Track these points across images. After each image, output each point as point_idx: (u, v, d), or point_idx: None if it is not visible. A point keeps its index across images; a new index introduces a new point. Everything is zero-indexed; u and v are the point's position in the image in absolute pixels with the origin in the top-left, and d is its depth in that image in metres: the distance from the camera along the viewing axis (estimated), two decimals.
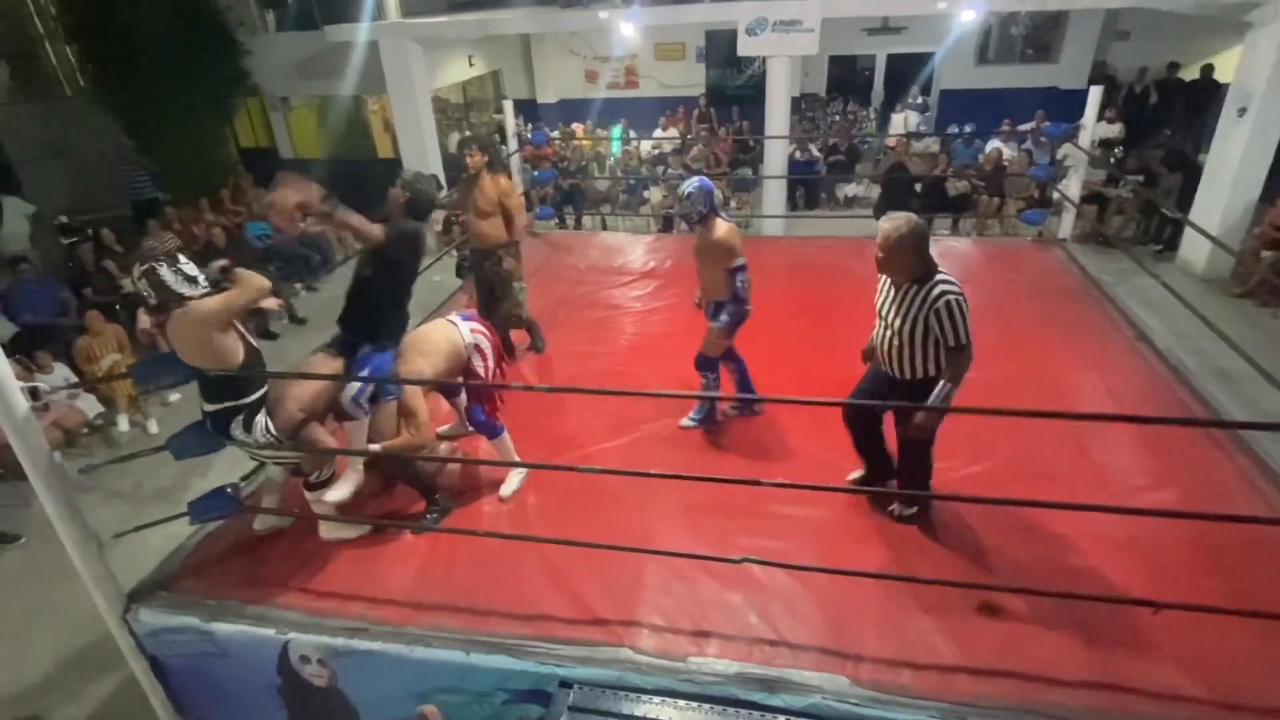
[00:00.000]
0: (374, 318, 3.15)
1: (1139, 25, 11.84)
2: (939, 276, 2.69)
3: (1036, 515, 2.99)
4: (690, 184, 3.47)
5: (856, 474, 3.33)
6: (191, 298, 2.70)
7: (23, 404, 2.53)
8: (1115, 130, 10.17)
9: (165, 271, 2.67)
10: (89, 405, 6.32)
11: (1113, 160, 9.43)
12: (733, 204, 10.61)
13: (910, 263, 2.70)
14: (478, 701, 2.67)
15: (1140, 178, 9.06)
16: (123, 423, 6.53)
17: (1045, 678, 2.41)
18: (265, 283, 2.77)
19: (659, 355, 4.63)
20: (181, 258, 2.71)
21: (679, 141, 11.22)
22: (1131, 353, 4.39)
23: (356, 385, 3.03)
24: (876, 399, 3.00)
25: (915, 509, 3.09)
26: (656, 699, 2.46)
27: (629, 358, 4.66)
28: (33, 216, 9.99)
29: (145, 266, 2.67)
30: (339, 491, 3.13)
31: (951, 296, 2.62)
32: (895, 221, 2.69)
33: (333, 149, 12.37)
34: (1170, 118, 10.86)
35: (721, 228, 3.49)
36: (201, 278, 2.75)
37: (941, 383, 2.62)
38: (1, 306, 7.28)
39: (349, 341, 3.14)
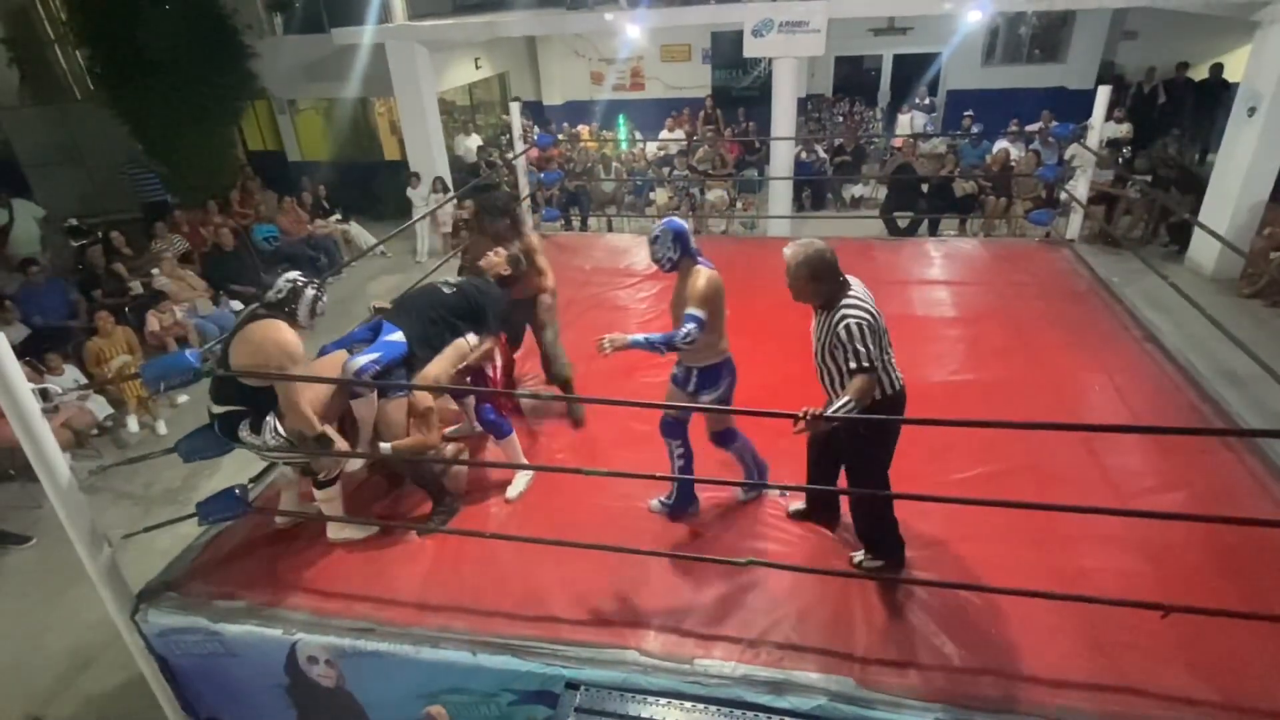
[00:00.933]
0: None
1: (1147, 25, 11.79)
2: (845, 300, 2.60)
3: (1045, 517, 2.97)
4: (657, 226, 2.97)
5: (797, 506, 3.19)
6: (299, 325, 2.89)
7: (34, 406, 2.55)
8: (1123, 130, 10.13)
9: (309, 293, 2.90)
10: (99, 407, 6.37)
11: (1121, 160, 9.39)
12: (738, 205, 10.61)
13: (811, 289, 2.64)
14: (484, 702, 2.67)
15: (1149, 178, 9.02)
16: (132, 424, 6.57)
17: (1053, 680, 2.40)
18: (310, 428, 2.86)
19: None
20: (325, 298, 2.97)
21: (685, 143, 11.23)
22: (1140, 354, 4.37)
23: (363, 360, 3.01)
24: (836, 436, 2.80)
25: (882, 561, 2.87)
26: (663, 700, 2.45)
27: (634, 360, 4.64)
28: (43, 219, 10.06)
29: (303, 280, 2.91)
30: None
31: (851, 320, 2.52)
32: (794, 248, 2.65)
33: (339, 151, 12.42)
34: (1179, 118, 10.80)
35: (702, 276, 2.90)
36: (315, 320, 2.96)
37: (844, 398, 2.44)
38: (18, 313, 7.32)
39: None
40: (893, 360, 2.73)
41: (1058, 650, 2.50)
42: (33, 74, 12.53)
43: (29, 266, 7.75)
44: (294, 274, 2.95)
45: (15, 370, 2.48)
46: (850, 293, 2.63)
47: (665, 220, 2.99)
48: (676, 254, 2.95)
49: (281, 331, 2.78)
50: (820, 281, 2.61)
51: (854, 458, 2.78)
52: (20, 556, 5.22)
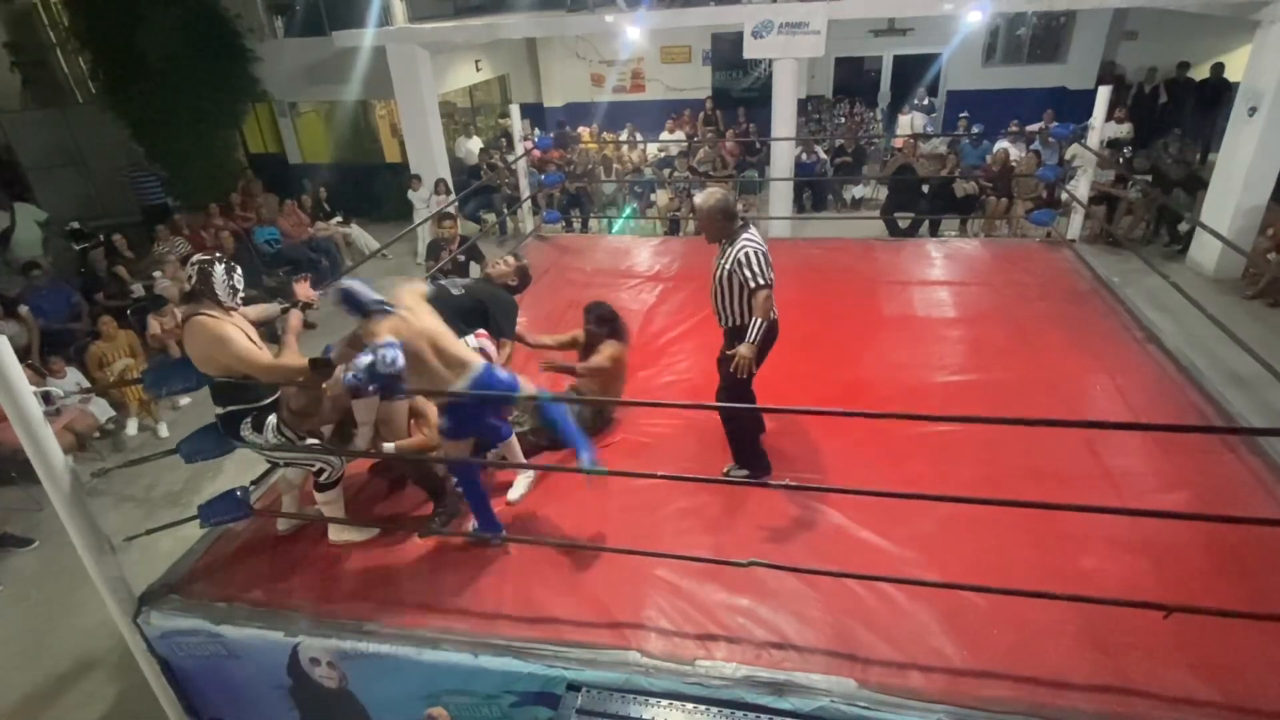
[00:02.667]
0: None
1: (1147, 25, 11.78)
2: (745, 236, 3.14)
3: (1046, 517, 2.96)
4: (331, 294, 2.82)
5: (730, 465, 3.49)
6: (223, 305, 2.82)
7: (36, 408, 2.55)
8: (1124, 130, 10.13)
9: (219, 270, 2.80)
10: (100, 410, 6.38)
11: (1121, 160, 9.39)
12: (740, 206, 10.60)
13: (720, 226, 3.18)
14: (486, 703, 2.67)
15: (1149, 177, 9.02)
16: (131, 426, 6.58)
17: (1055, 681, 2.40)
18: (297, 369, 2.82)
19: (665, 356, 4.63)
20: (239, 269, 2.87)
21: (685, 144, 11.23)
22: (1142, 354, 4.36)
23: (349, 375, 2.94)
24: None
25: (747, 471, 3.36)
26: (664, 702, 2.45)
27: (635, 360, 4.65)
28: (44, 222, 10.09)
29: (206, 258, 2.83)
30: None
31: (749, 248, 3.07)
32: (704, 194, 3.22)
33: (340, 154, 12.44)
34: (1180, 118, 10.79)
35: (383, 325, 2.71)
36: (241, 295, 2.87)
37: (753, 319, 3.00)
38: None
39: None
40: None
41: (1059, 651, 2.50)
42: (35, 78, 12.58)
43: (31, 270, 7.77)
44: (196, 256, 2.88)
45: (17, 373, 2.49)
46: (749, 233, 3.18)
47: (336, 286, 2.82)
48: (354, 313, 2.79)
49: (199, 328, 2.74)
50: (729, 220, 3.17)
51: (728, 376, 3.19)
52: (22, 559, 5.23)
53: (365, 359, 2.45)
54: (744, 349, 2.97)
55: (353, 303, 2.78)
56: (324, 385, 2.77)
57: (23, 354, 6.31)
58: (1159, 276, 4.95)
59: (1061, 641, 2.53)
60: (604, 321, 3.77)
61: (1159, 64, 11.43)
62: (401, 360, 2.54)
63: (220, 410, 2.91)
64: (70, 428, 5.92)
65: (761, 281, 3.03)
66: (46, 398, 2.59)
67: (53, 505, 2.70)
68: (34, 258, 8.67)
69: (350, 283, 2.80)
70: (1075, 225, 6.26)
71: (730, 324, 3.25)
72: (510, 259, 3.93)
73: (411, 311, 2.83)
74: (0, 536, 5.23)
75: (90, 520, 2.77)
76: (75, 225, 10.04)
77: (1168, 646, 2.48)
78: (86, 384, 6.36)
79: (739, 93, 13.46)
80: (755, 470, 3.39)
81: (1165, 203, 8.25)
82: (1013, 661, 2.47)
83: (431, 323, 2.86)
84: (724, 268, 3.15)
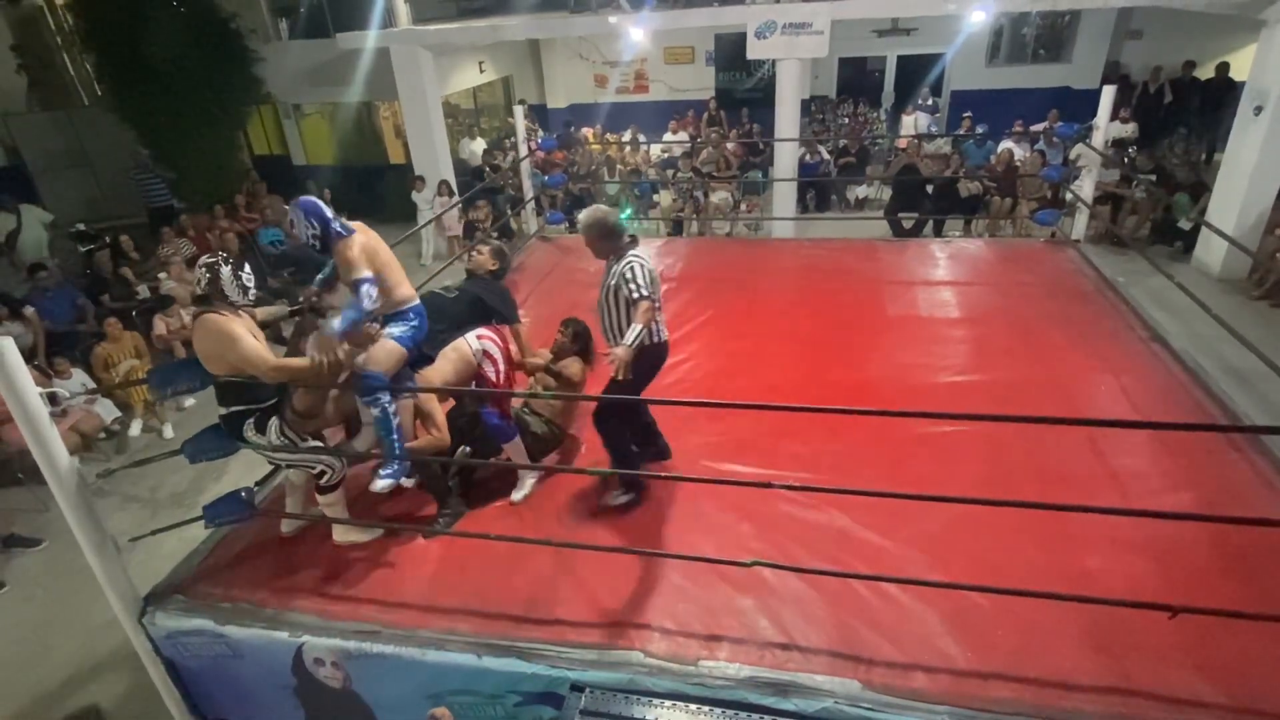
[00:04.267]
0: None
1: (1152, 24, 11.76)
2: (632, 253, 3.20)
3: (1051, 517, 2.95)
4: (291, 209, 2.91)
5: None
6: (234, 305, 2.85)
7: (42, 409, 2.57)
8: (1129, 130, 10.10)
9: (226, 271, 2.83)
10: (106, 410, 6.40)
11: (1126, 160, 9.37)
12: (743, 206, 10.60)
13: (600, 245, 3.25)
14: (490, 704, 2.68)
15: (1153, 177, 8.99)
16: (135, 428, 6.61)
17: (1060, 682, 2.39)
18: (301, 369, 2.84)
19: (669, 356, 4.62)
20: (247, 267, 2.89)
21: (689, 145, 11.23)
22: (1146, 354, 4.35)
23: (336, 321, 2.91)
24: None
25: (628, 496, 3.28)
26: (668, 703, 2.45)
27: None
28: (50, 224, 10.13)
29: (212, 259, 2.85)
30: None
31: (634, 263, 3.13)
32: (585, 212, 3.28)
33: (344, 155, 12.47)
34: (1185, 117, 10.76)
35: (352, 245, 2.90)
36: (253, 292, 2.89)
37: (634, 325, 3.00)
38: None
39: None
40: (663, 320, 3.29)
41: (1064, 652, 2.49)
42: (40, 80, 12.63)
43: (38, 271, 7.80)
44: (204, 258, 2.89)
45: (23, 374, 2.50)
46: (635, 251, 3.24)
47: (299, 199, 2.92)
48: (316, 229, 2.88)
49: (210, 325, 2.77)
50: (606, 239, 3.23)
51: (612, 389, 3.17)
52: (29, 559, 5.25)
53: (350, 306, 2.75)
54: (620, 350, 2.91)
55: (320, 218, 2.87)
56: (318, 349, 2.84)
57: (28, 355, 6.34)
58: (1164, 276, 4.94)
59: (1066, 643, 2.52)
60: (579, 338, 3.83)
61: (1164, 63, 11.39)
62: (376, 291, 2.83)
63: (223, 411, 2.92)
64: (76, 428, 5.95)
65: (645, 294, 3.06)
66: (52, 398, 2.61)
67: (58, 506, 2.71)
68: (40, 259, 8.71)
69: (313, 199, 2.91)
70: (1080, 225, 6.24)
71: (614, 340, 3.26)
72: (482, 247, 3.99)
73: (363, 230, 3.00)
74: (8, 537, 5.25)
75: (95, 520, 2.78)
76: (81, 227, 10.09)
77: (1173, 647, 2.47)
78: (92, 385, 6.38)
79: (742, 93, 13.47)
80: (634, 490, 3.32)
81: (1168, 203, 8.22)
82: (1017, 662, 2.46)
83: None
84: (609, 285, 3.20)
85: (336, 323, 2.81)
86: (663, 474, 3.08)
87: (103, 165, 11.97)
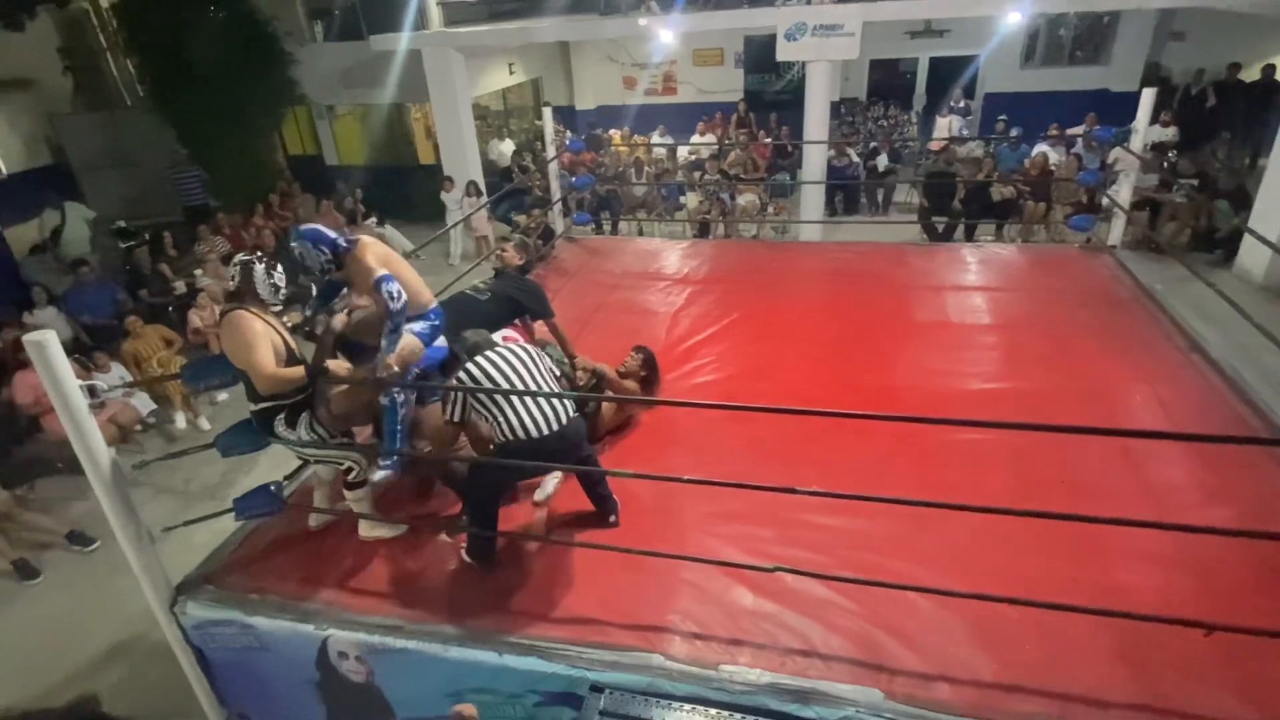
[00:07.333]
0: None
1: (1196, 25, 11.47)
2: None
3: (1081, 530, 2.88)
4: (294, 243, 2.99)
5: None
6: (265, 303, 2.90)
7: (82, 402, 2.64)
8: (1169, 134, 9.86)
9: (259, 269, 2.88)
10: (142, 403, 6.57)
11: (1166, 165, 9.14)
12: (770, 209, 10.55)
13: None
14: (510, 702, 2.69)
15: (1195, 181, 8.76)
16: (180, 419, 6.77)
17: (1088, 699, 2.34)
18: (296, 377, 2.89)
19: (691, 359, 4.62)
20: (280, 267, 2.94)
21: (716, 147, 11.21)
22: (1185, 363, 4.24)
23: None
24: None
25: (478, 558, 3.02)
26: (687, 706, 2.44)
27: (661, 362, 4.65)
28: (92, 221, 10.42)
29: (246, 258, 2.90)
30: None
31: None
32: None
33: (376, 156, 12.66)
34: (1229, 121, 10.47)
35: (367, 250, 3.00)
36: (284, 292, 2.95)
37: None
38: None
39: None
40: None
41: (1094, 668, 2.44)
42: (86, 82, 13.01)
43: (80, 267, 8.03)
44: (239, 255, 2.95)
45: (65, 367, 2.57)
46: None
47: (299, 231, 2.99)
48: (327, 253, 2.96)
49: (234, 323, 2.81)
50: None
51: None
52: (66, 548, 5.40)
53: (387, 331, 2.86)
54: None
55: (326, 241, 2.94)
56: (375, 372, 2.91)
57: (69, 349, 6.53)
58: (1204, 284, 4.80)
59: (1096, 657, 2.46)
60: (647, 364, 3.98)
61: (1207, 65, 11.10)
62: (397, 287, 2.86)
63: (254, 406, 2.98)
64: (114, 421, 6.11)
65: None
66: (91, 391, 2.67)
67: (95, 495, 2.78)
68: (82, 255, 8.96)
69: (312, 227, 2.96)
70: (1116, 231, 6.10)
71: None
72: (506, 244, 4.04)
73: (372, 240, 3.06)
74: (69, 533, 5.40)
75: (131, 511, 2.84)
76: (121, 224, 10.37)
77: (1208, 666, 2.40)
78: (129, 378, 6.55)
79: (771, 95, 13.40)
80: (481, 558, 3.07)
81: (1209, 209, 8.00)
82: (1045, 676, 2.41)
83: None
84: None
85: (384, 342, 2.92)
86: (684, 477, 3.07)
87: (142, 164, 12.29)
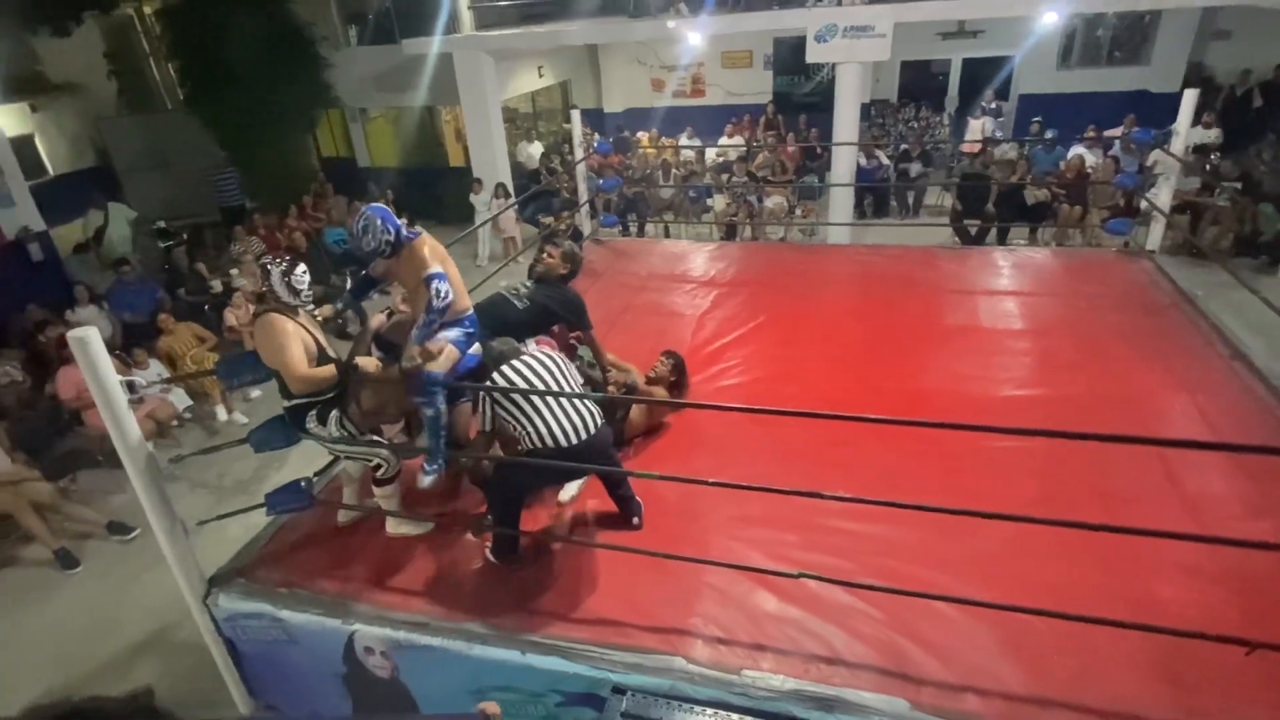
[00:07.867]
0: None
1: (1241, 24, 11.12)
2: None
3: (1116, 541, 2.81)
4: (359, 218, 3.08)
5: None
6: (287, 304, 2.94)
7: (122, 397, 2.71)
8: (1212, 136, 9.59)
9: (275, 274, 2.93)
10: (178, 399, 6.73)
11: (1208, 167, 8.89)
12: (798, 211, 10.48)
13: None
14: (532, 701, 2.70)
15: (1238, 184, 8.51)
16: (221, 412, 6.93)
17: (1122, 713, 2.28)
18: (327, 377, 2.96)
19: (717, 361, 4.60)
20: (300, 268, 2.98)
21: (744, 149, 11.16)
22: (1226, 371, 4.11)
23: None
24: None
25: (503, 557, 3.06)
26: (709, 710, 2.43)
27: (687, 365, 4.64)
28: (134, 221, 10.72)
29: (262, 261, 2.98)
30: None
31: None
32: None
33: (407, 158, 12.83)
34: (1276, 122, 10.15)
35: (425, 245, 3.07)
36: (305, 292, 2.99)
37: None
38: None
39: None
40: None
41: (1128, 682, 2.37)
42: (129, 86, 13.39)
43: (121, 266, 8.26)
44: (261, 259, 3.02)
45: (107, 364, 2.65)
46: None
47: (373, 206, 3.07)
48: (391, 235, 3.01)
49: (266, 325, 2.88)
50: None
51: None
52: (105, 539, 5.54)
53: (423, 319, 2.86)
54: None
55: (394, 223, 2.99)
56: (405, 365, 2.93)
57: (108, 346, 6.71)
58: (1247, 290, 4.66)
59: (1130, 672, 2.40)
60: (676, 369, 3.99)
61: (1254, 65, 10.77)
62: (446, 287, 2.88)
63: (287, 403, 3.04)
64: (152, 416, 6.26)
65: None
66: (130, 386, 2.74)
67: (133, 488, 2.85)
68: (124, 254, 9.22)
69: (383, 206, 3.01)
70: (1155, 235, 5.95)
71: None
72: (553, 250, 3.94)
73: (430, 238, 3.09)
74: (110, 523, 5.55)
75: (167, 504, 2.91)
76: (161, 224, 10.64)
77: (1249, 684, 2.32)
78: (167, 374, 6.71)
79: (801, 97, 13.30)
80: (503, 555, 3.11)
81: (1253, 212, 7.77)
82: (1076, 690, 2.36)
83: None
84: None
85: (415, 332, 2.94)
86: (709, 480, 3.06)
87: (181, 166, 12.61)
